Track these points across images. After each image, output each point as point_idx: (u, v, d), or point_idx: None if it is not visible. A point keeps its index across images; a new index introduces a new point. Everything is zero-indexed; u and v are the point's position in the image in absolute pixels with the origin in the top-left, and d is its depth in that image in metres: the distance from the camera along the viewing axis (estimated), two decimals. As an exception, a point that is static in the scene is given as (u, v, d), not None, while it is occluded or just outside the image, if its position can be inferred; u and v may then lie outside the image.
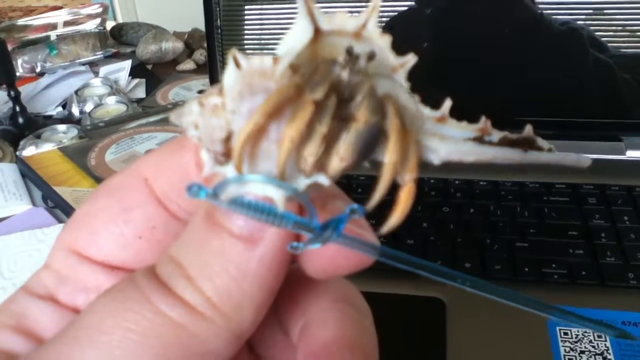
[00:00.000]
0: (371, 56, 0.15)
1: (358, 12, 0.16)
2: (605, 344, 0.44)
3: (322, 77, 0.15)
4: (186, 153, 0.19)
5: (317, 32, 0.15)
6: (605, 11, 0.65)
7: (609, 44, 0.64)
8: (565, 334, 0.45)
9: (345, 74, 0.15)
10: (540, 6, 0.64)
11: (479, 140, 0.17)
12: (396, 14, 0.68)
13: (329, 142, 0.16)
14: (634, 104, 0.65)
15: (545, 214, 0.56)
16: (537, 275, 0.50)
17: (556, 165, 0.17)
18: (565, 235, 0.54)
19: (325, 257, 0.18)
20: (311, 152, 0.16)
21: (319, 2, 0.15)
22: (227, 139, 0.17)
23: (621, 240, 0.53)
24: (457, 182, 0.61)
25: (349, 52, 0.15)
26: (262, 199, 0.16)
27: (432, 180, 0.61)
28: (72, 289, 0.20)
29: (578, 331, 0.45)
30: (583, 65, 0.65)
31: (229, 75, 0.16)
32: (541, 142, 0.17)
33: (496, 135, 0.17)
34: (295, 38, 0.15)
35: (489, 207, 0.57)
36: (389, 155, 0.16)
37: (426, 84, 0.63)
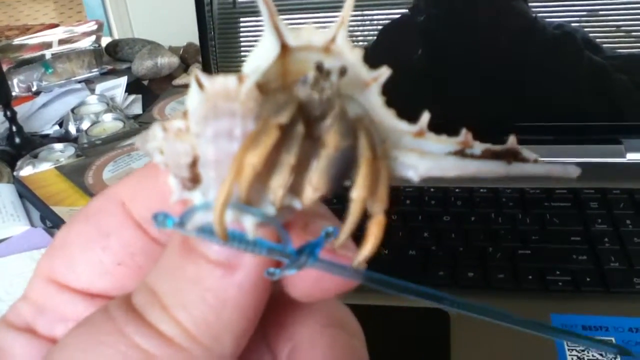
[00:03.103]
0: (343, 71, 0.15)
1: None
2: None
3: (289, 98, 0.15)
4: (162, 175, 0.18)
5: (285, 48, 0.15)
6: (600, 12, 0.64)
7: (605, 45, 0.64)
8: (572, 343, 0.44)
9: (315, 93, 0.15)
10: (534, 10, 0.64)
11: (461, 153, 0.16)
12: (389, 21, 0.67)
13: (301, 165, 0.15)
14: (632, 105, 0.65)
15: (546, 220, 0.55)
16: (541, 283, 0.49)
17: (543, 177, 0.16)
18: (568, 241, 0.53)
19: (309, 281, 0.17)
20: (280, 184, 0.15)
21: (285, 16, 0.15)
22: (193, 164, 0.16)
23: (624, 244, 0.52)
24: (457, 190, 0.60)
25: (319, 68, 0.15)
26: (232, 225, 0.15)
27: (432, 189, 0.61)
28: (51, 320, 0.20)
29: (584, 339, 0.45)
30: (578, 68, 0.65)
31: (192, 97, 0.15)
32: (526, 152, 0.16)
33: (478, 147, 0.16)
34: (261, 55, 0.15)
35: (489, 215, 0.57)
36: (357, 192, 0.15)
37: (421, 91, 0.62)
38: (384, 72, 0.15)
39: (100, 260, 0.19)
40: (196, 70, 0.15)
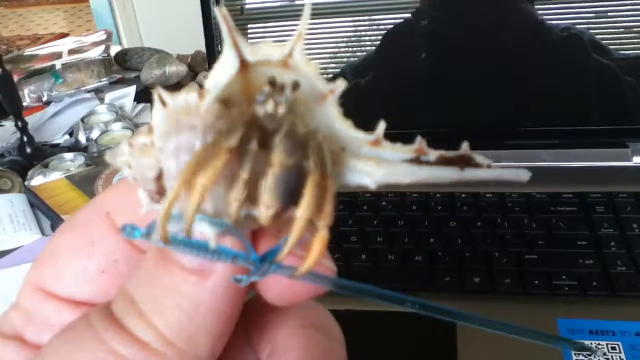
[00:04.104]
0: (296, 85, 0.15)
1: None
2: (619, 356, 0.44)
3: (245, 113, 0.15)
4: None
5: (244, 64, 0.15)
6: (609, 14, 0.64)
7: (613, 47, 0.64)
8: (572, 350, 0.44)
9: (269, 108, 0.15)
10: (540, 12, 0.64)
11: (416, 161, 0.16)
12: (392, 26, 0.68)
13: (258, 181, 0.15)
14: (639, 108, 0.65)
15: (553, 224, 0.55)
16: (548, 287, 0.49)
17: (496, 181, 0.16)
18: (574, 245, 0.53)
19: (280, 285, 0.18)
20: (234, 197, 0.15)
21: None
22: (159, 178, 0.16)
23: (631, 248, 0.52)
24: (463, 195, 0.60)
25: (272, 83, 0.15)
26: (196, 235, 0.16)
27: (438, 195, 0.61)
28: (39, 328, 0.20)
29: (591, 343, 0.45)
30: (586, 71, 0.65)
31: (156, 113, 0.16)
32: (479, 158, 0.16)
33: (433, 154, 0.16)
34: (222, 71, 0.15)
35: (495, 220, 0.57)
36: (301, 211, 0.15)
37: (425, 95, 0.62)
38: (340, 85, 0.15)
39: (85, 267, 0.20)
40: (158, 88, 0.15)
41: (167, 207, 0.15)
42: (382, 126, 0.16)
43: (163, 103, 0.15)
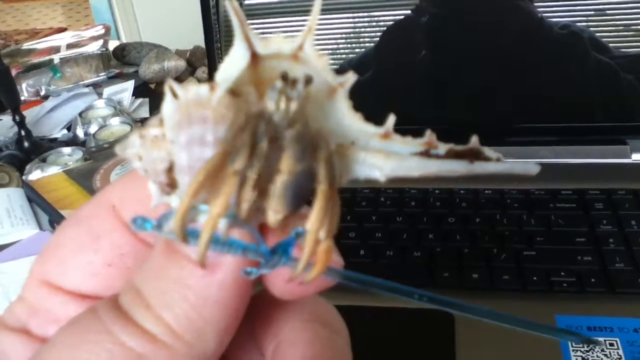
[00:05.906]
0: (308, 79, 0.15)
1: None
2: (617, 352, 0.44)
3: (252, 110, 0.15)
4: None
5: (255, 57, 0.15)
6: (607, 12, 0.64)
7: (612, 45, 0.64)
8: (577, 343, 0.44)
9: (280, 104, 0.15)
10: (540, 9, 0.64)
11: (425, 154, 0.16)
12: (392, 23, 0.68)
13: (269, 174, 0.15)
14: (638, 106, 0.65)
15: (552, 221, 0.55)
16: (546, 284, 0.49)
17: (505, 175, 0.16)
18: (573, 242, 0.53)
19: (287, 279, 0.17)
20: (245, 198, 0.15)
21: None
22: (170, 170, 0.16)
23: (630, 245, 0.52)
24: (462, 191, 0.61)
25: (284, 77, 0.15)
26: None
27: (437, 191, 0.61)
28: (44, 321, 0.20)
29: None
30: (585, 69, 0.65)
31: (167, 105, 0.16)
32: (488, 152, 0.16)
33: (442, 148, 0.16)
34: (233, 63, 0.15)
35: (494, 216, 0.57)
36: (312, 224, 0.15)
37: (425, 92, 0.62)
38: (350, 78, 0.15)
39: (90, 262, 0.20)
40: (170, 80, 0.15)
41: (181, 220, 0.15)
42: (392, 119, 0.16)
43: (174, 95, 0.15)
